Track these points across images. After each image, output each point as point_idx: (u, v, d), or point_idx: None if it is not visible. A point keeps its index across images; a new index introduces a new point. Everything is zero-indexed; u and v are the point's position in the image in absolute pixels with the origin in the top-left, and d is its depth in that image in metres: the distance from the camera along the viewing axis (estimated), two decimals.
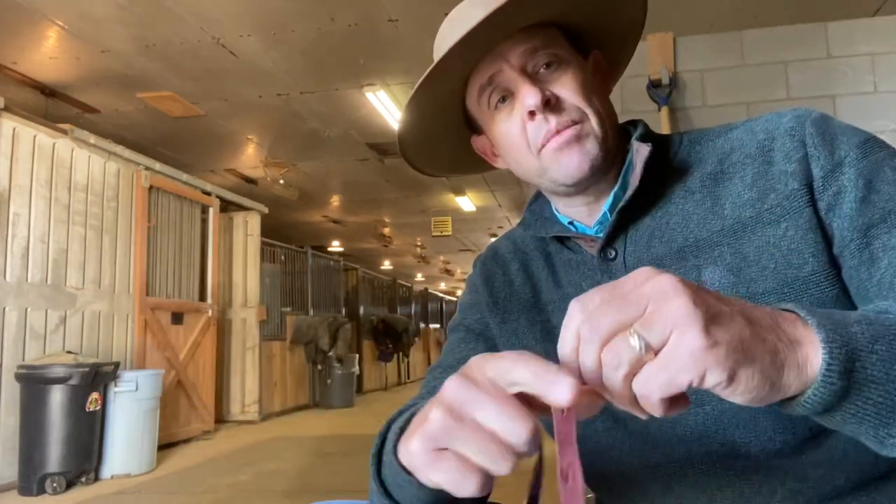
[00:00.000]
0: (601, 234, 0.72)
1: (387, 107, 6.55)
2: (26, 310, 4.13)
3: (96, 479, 4.19)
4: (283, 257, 8.58)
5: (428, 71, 0.67)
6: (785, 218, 0.62)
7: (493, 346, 0.79)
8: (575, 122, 0.68)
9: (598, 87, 0.72)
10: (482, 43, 0.66)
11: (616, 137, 0.72)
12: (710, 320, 0.38)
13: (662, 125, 2.42)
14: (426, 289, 16.96)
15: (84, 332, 4.62)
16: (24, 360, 4.03)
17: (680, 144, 0.73)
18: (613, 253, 0.71)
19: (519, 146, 0.70)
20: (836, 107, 2.39)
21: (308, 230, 12.91)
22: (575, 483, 0.37)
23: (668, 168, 0.71)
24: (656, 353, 0.38)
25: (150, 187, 5.42)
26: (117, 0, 4.52)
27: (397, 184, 9.61)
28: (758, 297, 0.61)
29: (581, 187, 0.71)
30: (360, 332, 10.63)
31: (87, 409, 3.97)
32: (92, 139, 4.76)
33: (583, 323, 0.40)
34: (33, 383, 3.83)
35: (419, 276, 21.09)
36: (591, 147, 0.68)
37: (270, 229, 8.01)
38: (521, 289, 0.78)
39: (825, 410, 0.42)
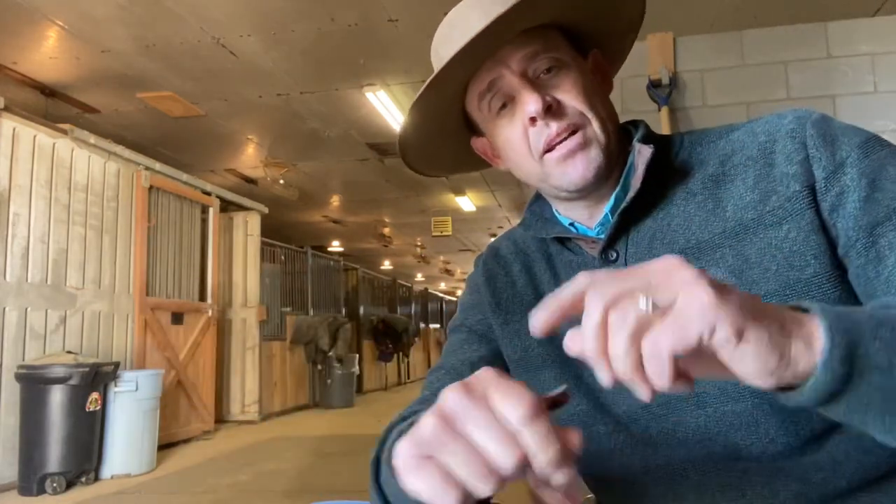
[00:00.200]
0: (602, 236, 0.72)
1: (387, 107, 6.53)
2: (26, 310, 4.13)
3: (96, 479, 4.19)
4: (283, 257, 8.58)
5: (428, 81, 0.67)
6: (787, 220, 0.62)
7: (495, 348, 0.79)
8: (576, 127, 0.68)
9: (598, 88, 0.72)
10: (482, 49, 0.66)
11: (617, 140, 0.72)
12: (717, 287, 0.38)
13: (662, 125, 2.42)
14: (426, 289, 16.96)
15: (84, 332, 4.62)
16: (24, 360, 4.03)
17: (681, 145, 0.73)
18: (615, 254, 0.71)
19: (521, 151, 0.70)
20: (836, 107, 2.39)
21: (308, 230, 12.91)
22: None
23: (669, 169, 0.71)
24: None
25: (150, 187, 5.42)
26: (117, 0, 4.52)
27: (397, 184, 9.60)
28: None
29: (584, 193, 0.71)
30: (360, 332, 10.63)
31: (87, 409, 3.97)
32: (92, 139, 4.76)
33: (588, 286, 0.40)
34: (33, 383, 3.83)
35: (419, 276, 21.08)
36: (595, 154, 0.68)
37: (270, 229, 8.01)
38: (524, 290, 0.78)
39: (830, 399, 0.41)
